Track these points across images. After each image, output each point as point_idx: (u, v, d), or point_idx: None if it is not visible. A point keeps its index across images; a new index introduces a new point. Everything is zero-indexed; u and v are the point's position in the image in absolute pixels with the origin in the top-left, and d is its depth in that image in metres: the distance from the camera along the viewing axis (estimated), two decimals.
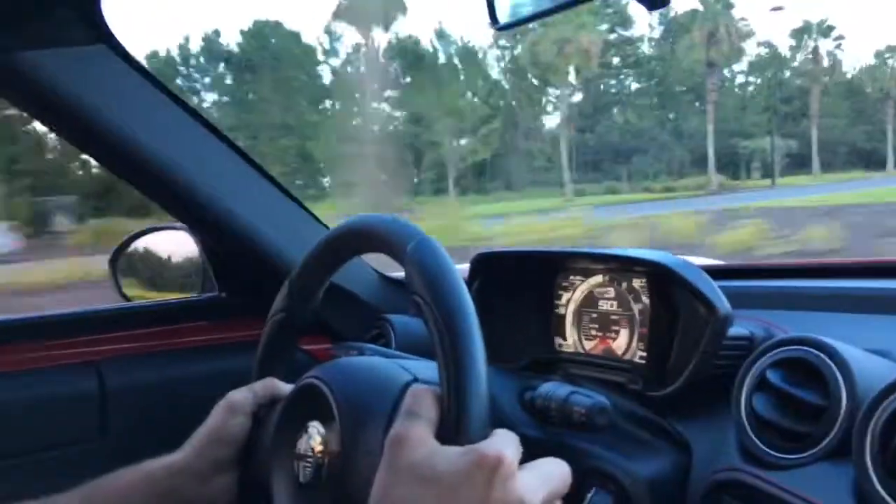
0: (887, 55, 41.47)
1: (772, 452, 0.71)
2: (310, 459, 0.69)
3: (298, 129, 34.42)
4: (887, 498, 0.59)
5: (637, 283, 0.94)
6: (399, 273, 1.44)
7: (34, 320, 1.13)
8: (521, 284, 1.02)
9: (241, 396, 0.78)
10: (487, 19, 0.87)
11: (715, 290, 0.80)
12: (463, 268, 0.83)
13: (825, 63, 39.16)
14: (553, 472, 0.58)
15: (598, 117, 41.12)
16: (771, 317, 0.88)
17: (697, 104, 40.17)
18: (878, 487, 0.61)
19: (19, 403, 1.02)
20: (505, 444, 0.55)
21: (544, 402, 0.73)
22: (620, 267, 0.96)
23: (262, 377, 0.83)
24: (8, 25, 0.85)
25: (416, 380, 0.68)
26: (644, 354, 0.90)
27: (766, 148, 37.30)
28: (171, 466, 0.73)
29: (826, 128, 40.09)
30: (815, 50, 39.16)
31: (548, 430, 0.74)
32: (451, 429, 0.57)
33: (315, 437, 0.69)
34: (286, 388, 0.79)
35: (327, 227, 1.17)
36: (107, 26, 0.91)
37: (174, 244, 1.33)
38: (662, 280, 0.88)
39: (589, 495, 0.74)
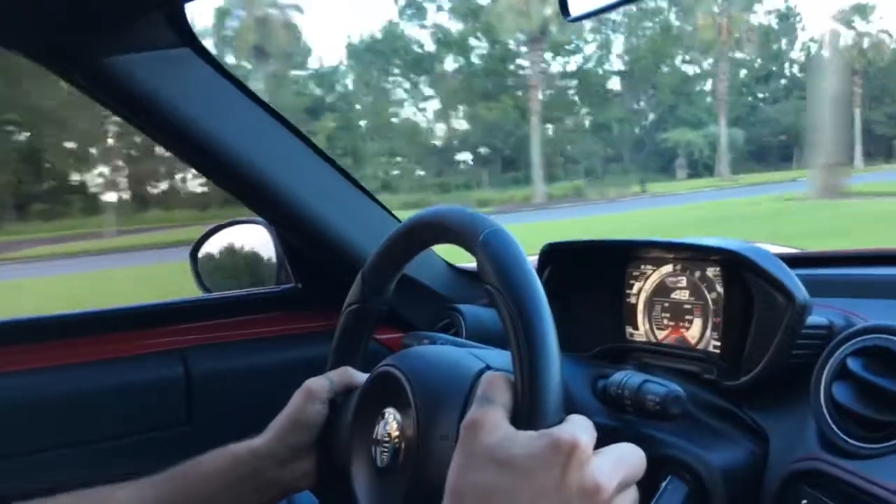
0: None
1: (852, 441, 0.71)
2: (387, 444, 0.71)
3: None
4: None
5: (711, 271, 0.93)
6: (469, 264, 1.46)
7: (125, 312, 1.19)
8: (590, 274, 1.03)
9: (319, 384, 0.80)
10: (560, 10, 0.88)
11: (792, 278, 0.79)
12: (532, 259, 0.84)
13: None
14: (628, 457, 0.58)
15: None
16: (850, 305, 0.86)
17: None
18: None
19: (113, 390, 1.08)
20: (580, 428, 0.56)
21: (618, 391, 0.73)
22: (693, 256, 0.96)
23: (337, 366, 0.85)
24: (97, 29, 0.89)
25: (488, 367, 0.69)
26: (718, 344, 0.90)
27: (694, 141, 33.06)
28: (255, 450, 0.76)
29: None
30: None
31: (621, 418, 0.75)
32: (525, 414, 0.58)
33: (391, 423, 0.71)
34: (361, 376, 0.82)
35: (399, 220, 1.19)
36: (191, 30, 0.95)
37: (252, 238, 1.37)
38: (737, 268, 0.87)
39: (664, 484, 0.74)
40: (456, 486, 0.56)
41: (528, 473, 0.54)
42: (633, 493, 0.58)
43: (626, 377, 0.73)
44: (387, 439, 0.71)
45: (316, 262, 1.29)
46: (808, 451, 0.73)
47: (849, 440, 0.70)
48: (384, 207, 1.29)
